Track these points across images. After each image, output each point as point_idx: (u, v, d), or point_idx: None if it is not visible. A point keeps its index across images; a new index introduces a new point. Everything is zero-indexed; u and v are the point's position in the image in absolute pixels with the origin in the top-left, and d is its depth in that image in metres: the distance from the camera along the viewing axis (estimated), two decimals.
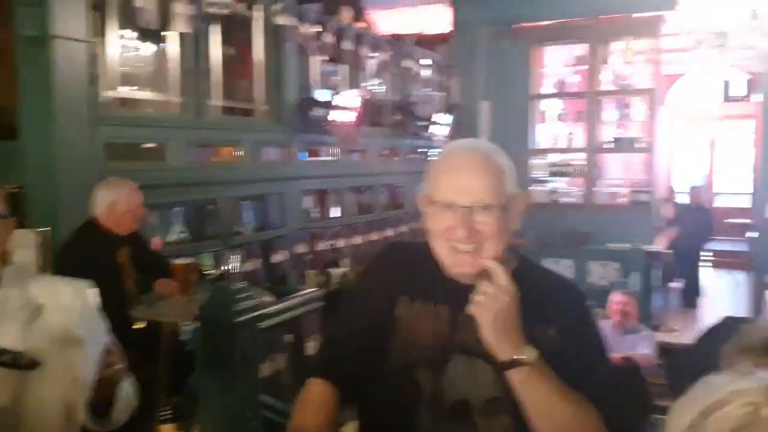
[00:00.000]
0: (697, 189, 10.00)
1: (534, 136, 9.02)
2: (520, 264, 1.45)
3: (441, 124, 7.96)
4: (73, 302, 1.55)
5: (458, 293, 1.36)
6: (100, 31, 4.19)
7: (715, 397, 0.68)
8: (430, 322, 1.40)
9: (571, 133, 8.86)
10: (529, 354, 1.27)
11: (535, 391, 1.28)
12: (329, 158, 6.84)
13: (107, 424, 1.55)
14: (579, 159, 8.71)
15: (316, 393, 1.42)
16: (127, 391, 1.46)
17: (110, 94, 4.32)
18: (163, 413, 0.92)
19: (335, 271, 6.51)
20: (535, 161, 8.76)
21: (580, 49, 8.71)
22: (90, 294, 1.58)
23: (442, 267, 1.39)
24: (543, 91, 9.10)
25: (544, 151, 8.88)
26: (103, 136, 4.20)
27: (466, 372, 1.36)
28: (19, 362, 1.30)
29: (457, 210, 1.33)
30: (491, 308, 1.26)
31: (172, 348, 3.12)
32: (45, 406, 1.46)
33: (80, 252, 3.41)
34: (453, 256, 1.36)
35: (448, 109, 8.34)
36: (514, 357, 1.27)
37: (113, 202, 3.53)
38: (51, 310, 1.54)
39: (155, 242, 4.35)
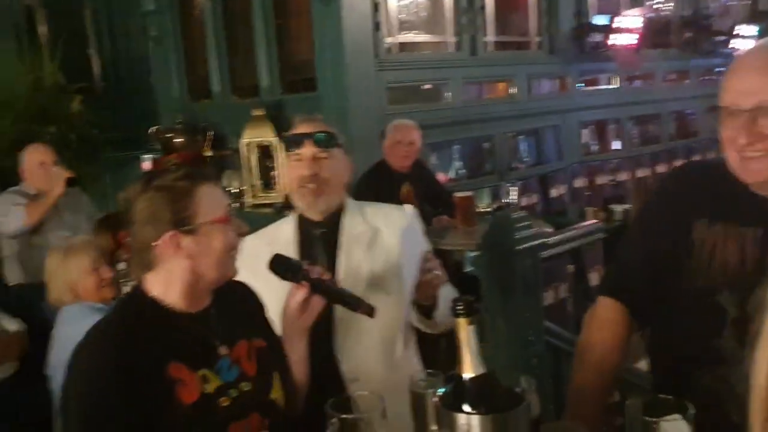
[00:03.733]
0: None
1: None
2: None
3: (744, 37, 7.00)
4: (402, 222, 1.76)
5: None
6: None
7: None
8: (736, 244, 1.28)
9: None
10: None
11: None
12: (609, 87, 6.49)
13: (433, 325, 1.71)
14: None
15: (605, 310, 1.40)
16: (447, 296, 1.58)
17: (390, 40, 4.58)
18: (458, 308, 0.98)
19: (616, 208, 6.20)
20: None
21: None
22: (412, 212, 1.81)
23: (745, 184, 1.26)
24: None
25: None
26: (386, 80, 4.49)
27: None
28: (359, 307, 1.42)
29: (739, 114, 1.18)
30: None
31: (458, 275, 3.29)
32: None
33: (369, 188, 3.72)
34: (741, 164, 1.22)
35: (754, 19, 7.30)
36: None
37: (393, 141, 3.77)
38: (386, 232, 1.75)
39: (440, 177, 4.57)
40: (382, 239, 1.74)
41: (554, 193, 5.71)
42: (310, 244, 1.75)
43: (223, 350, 1.35)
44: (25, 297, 3.46)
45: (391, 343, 1.72)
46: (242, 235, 1.39)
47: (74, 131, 4.66)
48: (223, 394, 1.31)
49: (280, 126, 4.62)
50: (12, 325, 3.10)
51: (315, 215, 1.74)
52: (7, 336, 3.03)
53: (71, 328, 2.58)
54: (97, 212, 4.03)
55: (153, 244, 1.27)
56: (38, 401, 2.68)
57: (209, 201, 1.31)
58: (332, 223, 1.75)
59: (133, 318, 1.31)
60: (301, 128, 1.75)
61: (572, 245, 3.17)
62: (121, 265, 3.20)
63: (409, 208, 1.85)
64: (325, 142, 1.72)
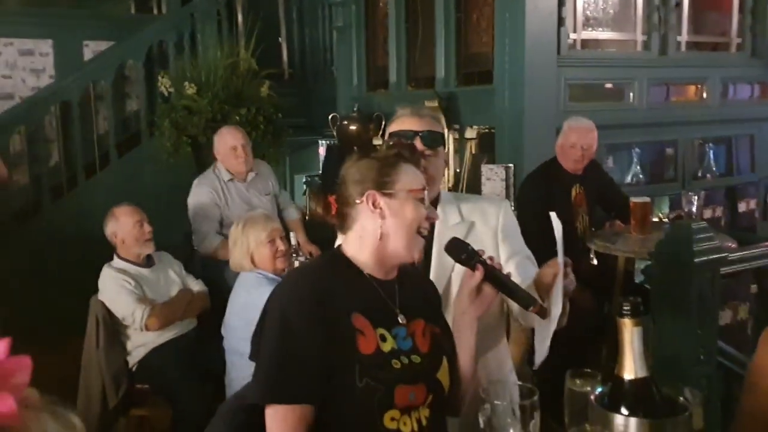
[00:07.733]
0: None
1: None
2: None
3: None
4: (496, 220, 1.80)
5: None
6: None
7: None
8: None
9: None
10: None
11: None
12: None
13: (531, 321, 1.65)
14: None
15: None
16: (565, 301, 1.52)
17: (574, 36, 4.44)
18: (624, 308, 0.94)
19: None
20: None
21: None
22: (507, 207, 1.86)
23: None
24: None
25: None
26: (566, 77, 4.36)
27: None
28: (532, 305, 1.41)
29: None
30: None
31: (626, 283, 3.13)
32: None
33: (536, 186, 3.62)
34: None
35: None
36: None
37: (567, 143, 3.61)
38: (481, 227, 1.80)
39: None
40: (477, 233, 1.78)
41: (743, 207, 5.25)
42: None
43: (401, 319, 1.46)
44: (210, 262, 3.79)
45: (490, 333, 1.77)
46: (431, 221, 1.50)
47: (262, 114, 4.98)
48: (396, 358, 1.40)
49: (452, 118, 4.64)
50: (195, 285, 3.42)
51: None
52: (191, 295, 3.34)
53: (245, 295, 2.80)
54: (282, 190, 4.38)
55: (356, 201, 1.46)
56: (213, 356, 2.93)
57: (409, 176, 1.49)
58: None
59: (330, 266, 1.51)
60: (408, 123, 1.78)
61: (758, 264, 2.89)
62: (293, 240, 3.41)
63: (504, 203, 1.87)
64: (435, 142, 1.78)
